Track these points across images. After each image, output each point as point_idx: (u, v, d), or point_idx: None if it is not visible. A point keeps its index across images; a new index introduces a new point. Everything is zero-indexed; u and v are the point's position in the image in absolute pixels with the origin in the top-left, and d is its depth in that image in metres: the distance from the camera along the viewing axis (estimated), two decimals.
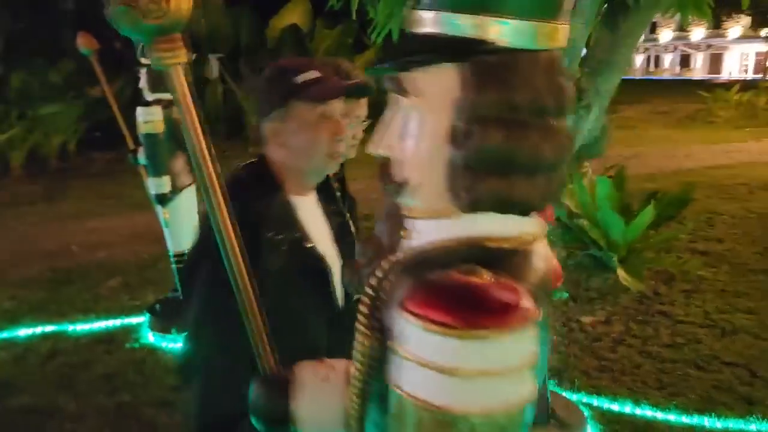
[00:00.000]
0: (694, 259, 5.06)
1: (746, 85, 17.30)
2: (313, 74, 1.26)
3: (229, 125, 13.52)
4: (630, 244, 4.60)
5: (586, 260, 4.70)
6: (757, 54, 49.75)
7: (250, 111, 13.86)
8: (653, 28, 60.42)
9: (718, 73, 50.49)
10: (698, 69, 56.06)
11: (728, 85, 17.43)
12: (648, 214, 4.49)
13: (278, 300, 1.14)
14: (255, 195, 1.23)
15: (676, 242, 5.37)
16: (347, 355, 0.86)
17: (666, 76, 55.51)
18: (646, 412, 3.09)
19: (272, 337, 1.05)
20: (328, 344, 1.26)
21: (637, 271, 4.41)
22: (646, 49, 61.62)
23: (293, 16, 13.53)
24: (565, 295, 4.25)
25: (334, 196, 1.44)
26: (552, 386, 3.29)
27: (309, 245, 1.28)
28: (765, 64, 37.29)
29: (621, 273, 4.25)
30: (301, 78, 1.25)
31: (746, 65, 52.72)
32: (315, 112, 1.25)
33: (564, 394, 3.24)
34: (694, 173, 8.60)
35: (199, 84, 15.41)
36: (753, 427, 2.95)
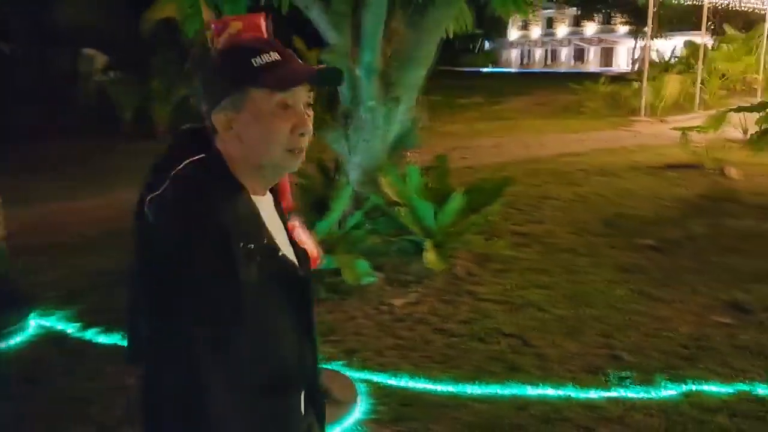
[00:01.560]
0: (502, 241, 5.40)
1: (619, 78, 18.53)
2: (273, 56, 1.10)
3: (101, 119, 13.03)
4: (444, 228, 4.87)
5: (406, 246, 4.93)
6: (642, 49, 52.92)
7: (125, 105, 13.44)
8: (550, 23, 63.13)
9: (610, 66, 53.31)
10: (591, 62, 58.93)
11: (596, 77, 18.56)
12: (457, 200, 4.76)
13: (257, 317, 1.07)
14: (216, 197, 1.07)
15: (499, 225, 5.73)
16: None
17: (563, 69, 58.08)
18: (417, 384, 3.32)
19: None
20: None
21: (443, 254, 4.67)
22: (544, 44, 64.26)
23: (167, 9, 13.16)
24: (373, 279, 4.45)
25: (275, 192, 1.28)
26: (337, 366, 3.47)
27: (280, 254, 1.15)
28: (633, 58, 39.84)
29: (427, 256, 4.49)
30: (259, 60, 1.09)
31: (633, 59, 56.07)
32: (273, 101, 1.09)
33: (345, 372, 3.42)
34: (544, 161, 9.16)
35: (72, 77, 14.76)
36: (508, 391, 3.23)
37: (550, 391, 3.20)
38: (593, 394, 3.17)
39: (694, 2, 19.69)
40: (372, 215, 4.91)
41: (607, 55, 58.42)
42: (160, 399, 1.06)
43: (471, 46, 66.87)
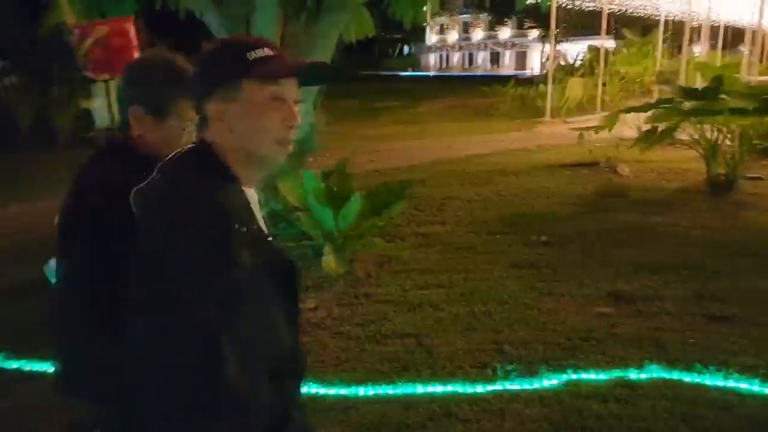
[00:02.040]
0: (404, 243, 5.51)
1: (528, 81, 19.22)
2: (267, 52, 1.17)
3: None
4: (344, 232, 4.89)
5: (306, 251, 4.92)
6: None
7: (22, 113, 12.74)
8: (467, 27, 64.76)
9: (524, 70, 55.25)
10: (507, 66, 60.83)
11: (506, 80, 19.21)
12: (356, 203, 4.80)
13: (252, 302, 1.10)
14: (210, 183, 1.12)
15: (402, 227, 5.82)
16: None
17: (479, 72, 59.63)
18: (308, 389, 3.31)
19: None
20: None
21: (343, 257, 4.70)
22: (462, 48, 65.86)
23: (63, 13, 12.60)
24: None
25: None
26: None
27: (269, 239, 1.22)
28: (542, 61, 41.53)
29: (325, 260, 4.50)
30: (254, 54, 1.15)
31: (543, 62, 58.36)
32: (265, 92, 1.15)
33: None
34: (450, 162, 9.40)
35: None
36: (397, 390, 3.28)
37: (438, 388, 3.28)
38: (479, 389, 3.27)
39: (596, 7, 20.70)
40: (272, 221, 4.87)
41: (521, 59, 60.50)
42: (173, 394, 1.05)
43: (391, 51, 67.54)
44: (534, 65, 57.98)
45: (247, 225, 1.13)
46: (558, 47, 20.82)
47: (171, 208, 1.09)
